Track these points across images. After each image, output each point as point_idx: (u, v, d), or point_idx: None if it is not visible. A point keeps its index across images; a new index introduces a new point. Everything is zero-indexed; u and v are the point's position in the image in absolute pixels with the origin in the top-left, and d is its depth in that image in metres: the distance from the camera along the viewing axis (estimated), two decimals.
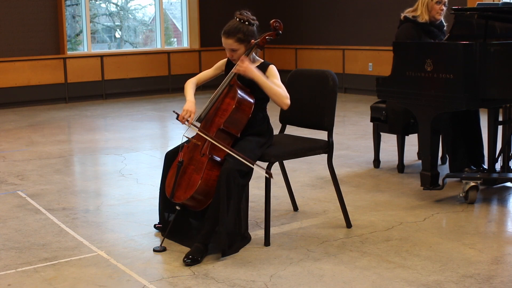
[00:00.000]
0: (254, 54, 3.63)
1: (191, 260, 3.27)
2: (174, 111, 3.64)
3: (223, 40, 3.56)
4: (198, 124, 3.55)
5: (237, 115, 3.47)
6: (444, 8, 4.83)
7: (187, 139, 3.63)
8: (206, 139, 3.47)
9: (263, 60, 3.65)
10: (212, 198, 3.38)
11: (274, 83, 3.48)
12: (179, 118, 3.53)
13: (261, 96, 3.57)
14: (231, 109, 3.44)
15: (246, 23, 3.55)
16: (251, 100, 3.52)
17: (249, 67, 3.45)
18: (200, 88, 12.14)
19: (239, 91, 3.49)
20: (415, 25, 4.83)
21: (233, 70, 3.54)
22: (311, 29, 11.35)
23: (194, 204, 3.47)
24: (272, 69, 3.57)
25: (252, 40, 3.56)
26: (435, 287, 2.96)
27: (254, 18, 3.62)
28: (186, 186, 3.44)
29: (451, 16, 4.38)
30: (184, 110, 3.54)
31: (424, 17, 4.80)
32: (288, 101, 3.48)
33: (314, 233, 3.74)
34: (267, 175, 3.44)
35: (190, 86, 3.73)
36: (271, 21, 3.64)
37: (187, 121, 3.51)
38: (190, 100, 3.61)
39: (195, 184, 3.38)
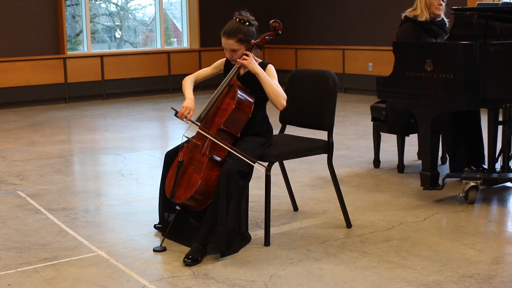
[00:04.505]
0: (253, 54, 3.64)
1: (191, 260, 3.27)
2: (172, 108, 3.64)
3: (223, 40, 3.57)
4: (199, 124, 3.55)
5: (237, 115, 3.47)
6: (443, 3, 4.83)
7: (187, 139, 3.63)
8: (206, 139, 3.47)
9: (261, 60, 3.66)
10: (212, 198, 3.38)
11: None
12: (178, 115, 3.53)
13: (261, 95, 3.58)
14: (231, 109, 3.45)
15: (247, 23, 3.56)
16: (251, 100, 3.52)
17: (253, 61, 3.49)
18: (200, 88, 12.00)
19: (239, 91, 3.49)
20: (415, 25, 4.84)
21: (238, 63, 3.55)
22: (311, 29, 11.35)
23: (194, 204, 3.46)
24: (271, 69, 3.58)
25: (252, 41, 3.58)
26: (435, 287, 2.96)
27: (254, 18, 3.63)
28: (186, 186, 3.44)
29: (451, 16, 4.38)
30: (183, 107, 3.54)
31: (424, 15, 4.82)
32: (284, 102, 3.49)
33: (314, 233, 3.74)
34: (267, 173, 3.44)
35: (188, 83, 3.73)
36: (271, 21, 3.65)
37: (186, 117, 3.51)
38: (190, 97, 3.61)
39: (195, 184, 3.38)
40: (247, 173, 3.44)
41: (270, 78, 3.50)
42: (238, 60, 3.55)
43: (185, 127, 3.65)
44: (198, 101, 3.68)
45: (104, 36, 13.56)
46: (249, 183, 3.57)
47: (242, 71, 3.65)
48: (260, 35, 3.63)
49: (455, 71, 4.07)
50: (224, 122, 3.44)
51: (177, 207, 3.47)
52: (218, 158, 3.43)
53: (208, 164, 3.40)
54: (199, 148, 3.49)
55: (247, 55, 3.52)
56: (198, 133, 3.58)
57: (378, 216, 4.04)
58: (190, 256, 3.29)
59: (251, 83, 3.56)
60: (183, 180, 3.47)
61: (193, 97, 3.62)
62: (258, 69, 3.48)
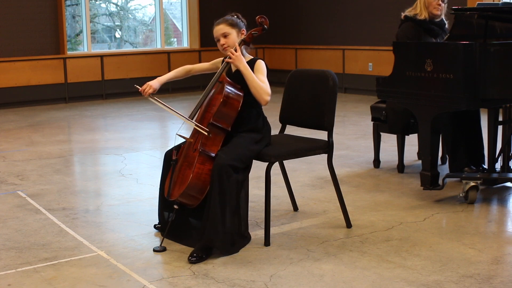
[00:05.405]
0: (243, 50, 3.67)
1: (196, 258, 3.28)
2: (135, 85, 3.89)
3: (215, 30, 3.68)
4: (155, 98, 3.72)
5: (225, 109, 3.50)
6: (442, 4, 4.83)
7: (183, 139, 3.64)
8: (198, 135, 3.49)
9: (252, 57, 3.70)
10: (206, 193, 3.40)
11: (258, 78, 3.54)
12: (140, 90, 3.78)
13: None
14: (218, 103, 3.48)
15: (234, 16, 3.71)
16: (240, 94, 3.55)
17: (239, 57, 3.54)
18: (200, 88, 11.99)
19: (226, 86, 3.53)
20: (415, 24, 4.84)
21: (225, 60, 3.61)
22: (311, 29, 11.35)
23: (189, 201, 3.47)
24: (259, 64, 3.62)
25: (243, 30, 3.65)
26: (435, 287, 2.96)
27: (242, 18, 3.77)
28: (180, 183, 3.46)
29: (451, 16, 4.38)
30: (146, 84, 3.79)
31: (423, 14, 4.82)
32: (267, 98, 3.53)
33: (314, 233, 3.74)
34: (209, 135, 3.48)
35: (175, 70, 3.96)
36: (257, 17, 3.69)
37: (147, 93, 3.78)
38: (157, 79, 3.86)
39: (187, 179, 3.39)
40: (244, 168, 3.44)
41: (254, 74, 3.54)
42: (226, 59, 3.60)
43: (183, 127, 3.66)
44: (194, 101, 3.69)
45: (104, 36, 13.56)
46: (249, 183, 3.57)
47: (233, 68, 3.68)
48: (247, 31, 3.68)
49: (455, 71, 4.07)
50: (213, 116, 3.48)
51: (175, 206, 3.48)
52: (211, 153, 3.44)
53: (199, 158, 3.42)
54: (192, 145, 3.51)
55: (235, 50, 3.56)
56: (192, 132, 3.60)
57: (378, 216, 4.04)
58: (195, 254, 3.30)
59: (242, 79, 3.58)
60: (178, 178, 3.50)
61: (162, 80, 3.87)
62: (242, 65, 3.53)
